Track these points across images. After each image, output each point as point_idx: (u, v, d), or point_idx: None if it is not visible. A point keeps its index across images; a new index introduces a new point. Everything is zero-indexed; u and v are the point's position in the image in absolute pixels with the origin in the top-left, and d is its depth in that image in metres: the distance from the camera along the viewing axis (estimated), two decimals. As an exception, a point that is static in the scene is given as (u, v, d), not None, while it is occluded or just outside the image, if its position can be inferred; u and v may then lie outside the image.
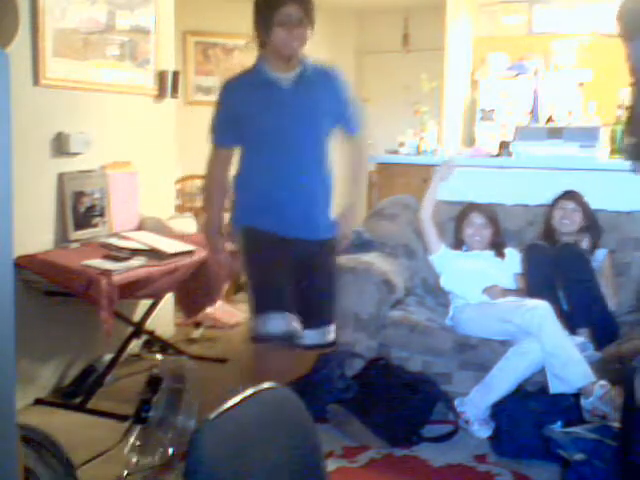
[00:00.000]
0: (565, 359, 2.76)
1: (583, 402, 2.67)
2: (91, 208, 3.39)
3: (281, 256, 2.52)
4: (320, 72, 2.56)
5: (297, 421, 1.36)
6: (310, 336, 2.57)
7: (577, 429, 2.50)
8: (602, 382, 2.68)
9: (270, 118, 2.49)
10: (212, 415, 1.23)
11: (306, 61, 2.53)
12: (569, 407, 2.68)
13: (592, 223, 3.34)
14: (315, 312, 2.61)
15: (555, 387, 2.77)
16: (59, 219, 3.27)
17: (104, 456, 2.63)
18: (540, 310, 2.85)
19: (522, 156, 3.90)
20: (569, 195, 3.36)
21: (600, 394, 2.65)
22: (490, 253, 3.35)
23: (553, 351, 2.77)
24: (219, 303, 4.18)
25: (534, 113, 4.56)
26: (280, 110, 2.49)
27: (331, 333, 2.66)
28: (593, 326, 3.02)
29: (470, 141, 6.11)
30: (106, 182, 3.49)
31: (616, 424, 2.38)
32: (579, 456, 2.37)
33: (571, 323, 2.97)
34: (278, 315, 2.44)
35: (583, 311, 3.06)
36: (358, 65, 7.04)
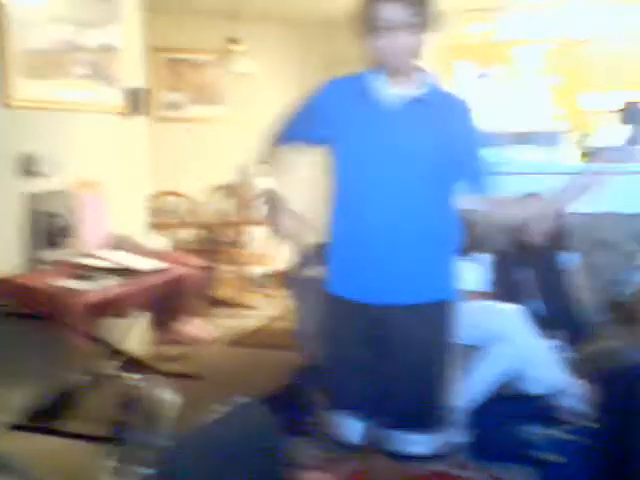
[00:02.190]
0: (541, 360, 2.79)
1: (561, 402, 2.69)
2: (60, 228, 3.36)
3: (365, 337, 1.98)
4: (444, 99, 1.98)
5: (269, 436, 1.36)
6: (394, 441, 2.01)
7: (553, 431, 2.52)
8: (579, 381, 2.72)
9: (363, 141, 1.93)
10: (185, 432, 1.23)
11: (430, 84, 1.94)
12: (545, 409, 2.70)
13: (561, 227, 3.38)
14: (399, 408, 2.00)
15: (532, 388, 2.79)
16: (28, 240, 3.23)
17: (79, 479, 2.59)
18: (512, 313, 2.87)
19: (490, 161, 3.92)
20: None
21: (576, 393, 2.68)
22: (462, 258, 3.37)
23: (528, 353, 2.79)
24: (194, 319, 4.15)
25: (501, 119, 4.61)
26: (378, 133, 1.92)
27: (423, 443, 2.00)
28: (566, 328, 3.05)
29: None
30: (75, 202, 3.46)
31: (593, 425, 2.41)
32: (556, 458, 2.39)
33: (546, 326, 3.00)
34: (355, 421, 2.01)
35: (557, 313, 3.10)
36: (328, 78, 7.07)
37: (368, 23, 1.84)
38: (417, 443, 1.98)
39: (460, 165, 1.98)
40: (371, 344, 1.96)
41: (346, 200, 1.99)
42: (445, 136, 1.93)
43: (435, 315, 1.99)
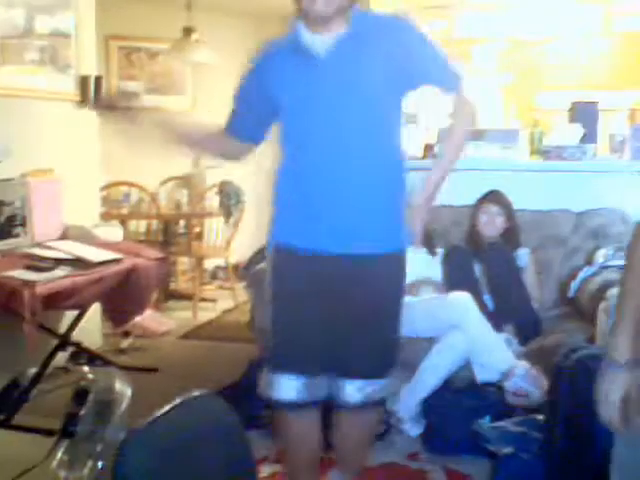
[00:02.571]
0: (488, 346, 2.86)
1: (506, 385, 2.76)
2: (11, 217, 3.29)
3: (315, 290, 1.97)
4: (377, 27, 1.91)
5: (227, 428, 1.35)
6: (348, 392, 2.06)
7: (504, 423, 2.58)
8: (522, 362, 2.79)
9: (302, 94, 1.91)
10: (139, 425, 1.22)
11: (356, 17, 1.89)
12: (497, 402, 2.76)
13: (514, 223, 3.43)
14: (354, 359, 2.04)
15: (481, 376, 2.85)
16: (-22, 229, 3.16)
17: (31, 473, 2.54)
18: (462, 300, 2.94)
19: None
20: (492, 197, 3.43)
21: (522, 373, 2.75)
22: (423, 250, 3.42)
23: (476, 339, 2.86)
24: (148, 312, 4.11)
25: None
26: (313, 85, 1.89)
27: (374, 389, 2.06)
28: (517, 323, 3.12)
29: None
30: (27, 190, 3.39)
31: (542, 416, 2.46)
32: (507, 449, 2.44)
33: (496, 320, 3.05)
34: (293, 378, 2.01)
35: (508, 308, 3.16)
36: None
37: None
38: (372, 389, 2.05)
39: (420, 74, 1.95)
40: (321, 295, 1.97)
41: (290, 154, 1.99)
42: (387, 61, 1.87)
43: (386, 267, 2.00)
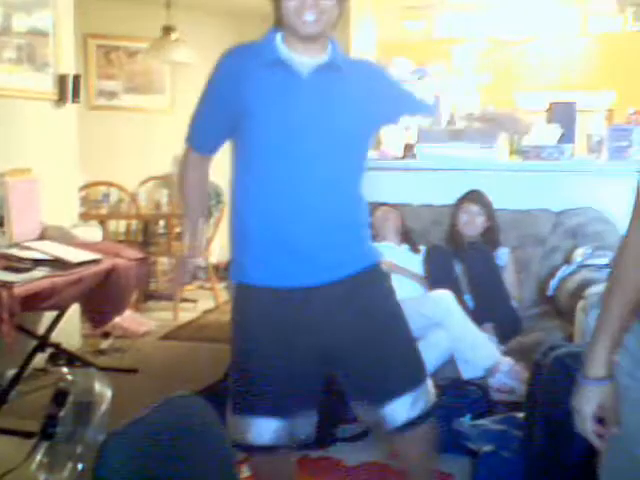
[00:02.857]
0: (471, 342, 2.89)
1: (490, 381, 2.78)
2: (-11, 218, 3.25)
3: (302, 323, 1.85)
4: (353, 65, 1.92)
5: (208, 428, 1.35)
6: (389, 415, 1.90)
7: (484, 421, 2.59)
8: (506, 359, 2.82)
9: (279, 113, 1.79)
10: (119, 427, 1.21)
11: (334, 48, 1.85)
12: (477, 400, 2.77)
13: (494, 223, 3.46)
14: (370, 382, 1.91)
15: (466, 373, 2.88)
16: (-46, 230, 3.12)
17: (10, 475, 2.52)
18: (444, 298, 2.97)
19: (425, 157, 4.00)
20: (473, 197, 3.45)
21: (506, 369, 2.78)
22: (405, 247, 3.43)
23: (460, 336, 2.89)
24: (127, 312, 4.09)
25: (436, 116, 4.68)
26: (294, 104, 1.79)
27: (411, 404, 1.91)
28: (497, 321, 3.14)
29: (376, 144, 6.21)
30: (5, 190, 3.35)
31: (520, 414, 2.48)
32: (487, 447, 2.45)
33: (476, 319, 3.07)
34: (268, 420, 1.86)
35: (487, 307, 3.18)
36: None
37: None
38: (403, 408, 1.89)
39: (398, 109, 2.03)
40: (309, 327, 1.85)
41: (259, 181, 1.84)
42: (357, 102, 1.84)
43: (369, 281, 1.92)
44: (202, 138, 1.96)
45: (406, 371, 1.94)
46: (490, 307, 3.18)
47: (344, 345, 1.89)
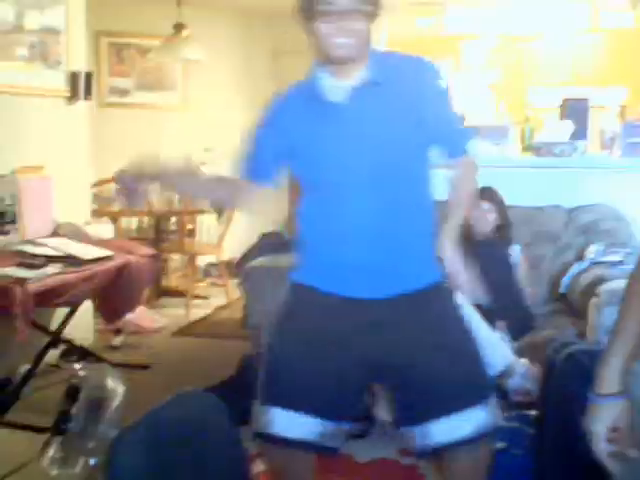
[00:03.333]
0: (485, 343, 2.85)
1: (507, 382, 2.77)
2: (2, 215, 3.28)
3: (349, 331, 1.81)
4: (399, 71, 1.83)
5: (219, 424, 1.35)
6: (437, 433, 1.81)
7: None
8: (522, 360, 2.80)
9: (319, 144, 1.83)
10: (131, 422, 1.22)
11: (375, 58, 1.81)
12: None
13: (506, 220, 3.45)
14: (427, 396, 1.81)
15: None
16: (-32, 227, 3.15)
17: (23, 470, 2.54)
18: (456, 295, 2.94)
19: (437, 154, 3.99)
20: (485, 194, 3.44)
21: (522, 371, 2.76)
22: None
23: (476, 334, 2.86)
24: (140, 308, 4.11)
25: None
26: (333, 133, 1.80)
27: (466, 423, 1.80)
28: (511, 319, 3.12)
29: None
30: (17, 187, 3.37)
31: (535, 412, 2.47)
32: (498, 444, 2.44)
33: (489, 316, 3.06)
34: (303, 416, 1.80)
35: (501, 305, 3.16)
36: (275, 66, 7.04)
37: (314, 7, 1.70)
38: (461, 424, 1.80)
39: (431, 130, 1.84)
40: (355, 336, 1.81)
41: (316, 202, 1.88)
42: (407, 111, 1.79)
43: (435, 296, 1.89)
44: (252, 164, 1.96)
45: (468, 387, 1.84)
46: (503, 305, 3.16)
47: (403, 358, 1.82)
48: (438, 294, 1.90)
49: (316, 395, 1.81)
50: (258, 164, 1.95)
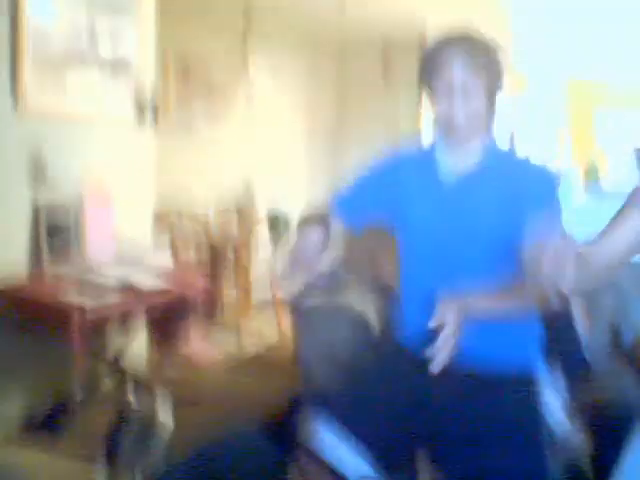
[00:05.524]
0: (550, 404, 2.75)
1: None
2: (66, 241, 3.35)
3: (418, 391, 1.75)
4: (517, 169, 1.75)
5: (267, 464, 1.34)
6: None
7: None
8: (575, 426, 2.68)
9: (421, 220, 1.79)
10: (179, 457, 1.21)
11: (490, 148, 1.76)
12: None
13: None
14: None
15: None
16: (32, 252, 3.22)
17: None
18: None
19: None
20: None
21: (574, 439, 2.64)
22: None
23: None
24: (194, 342, 4.12)
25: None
26: (437, 212, 1.76)
27: None
28: (566, 366, 3.01)
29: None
30: (81, 214, 3.45)
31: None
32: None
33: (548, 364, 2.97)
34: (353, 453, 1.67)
35: (556, 350, 3.06)
36: (340, 100, 7.04)
37: (430, 81, 1.67)
38: None
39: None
40: (423, 396, 1.76)
41: (412, 274, 1.86)
42: (511, 209, 1.67)
43: (511, 391, 1.79)
44: (349, 208, 1.89)
45: None
46: (559, 350, 3.06)
47: (457, 433, 1.74)
48: (517, 387, 1.80)
49: (368, 439, 1.72)
50: (356, 209, 1.90)
